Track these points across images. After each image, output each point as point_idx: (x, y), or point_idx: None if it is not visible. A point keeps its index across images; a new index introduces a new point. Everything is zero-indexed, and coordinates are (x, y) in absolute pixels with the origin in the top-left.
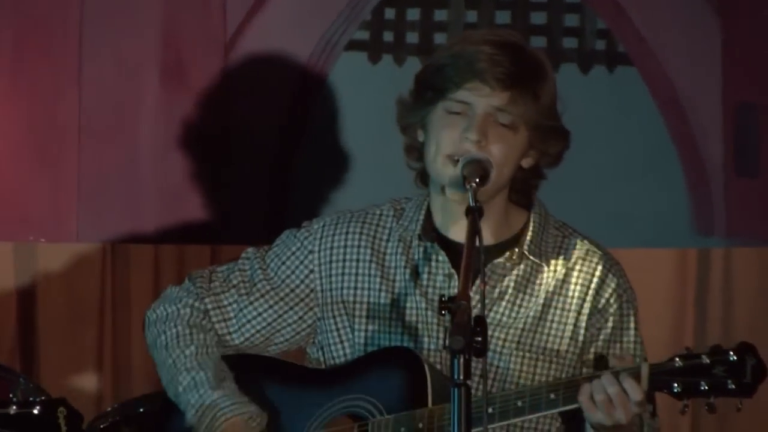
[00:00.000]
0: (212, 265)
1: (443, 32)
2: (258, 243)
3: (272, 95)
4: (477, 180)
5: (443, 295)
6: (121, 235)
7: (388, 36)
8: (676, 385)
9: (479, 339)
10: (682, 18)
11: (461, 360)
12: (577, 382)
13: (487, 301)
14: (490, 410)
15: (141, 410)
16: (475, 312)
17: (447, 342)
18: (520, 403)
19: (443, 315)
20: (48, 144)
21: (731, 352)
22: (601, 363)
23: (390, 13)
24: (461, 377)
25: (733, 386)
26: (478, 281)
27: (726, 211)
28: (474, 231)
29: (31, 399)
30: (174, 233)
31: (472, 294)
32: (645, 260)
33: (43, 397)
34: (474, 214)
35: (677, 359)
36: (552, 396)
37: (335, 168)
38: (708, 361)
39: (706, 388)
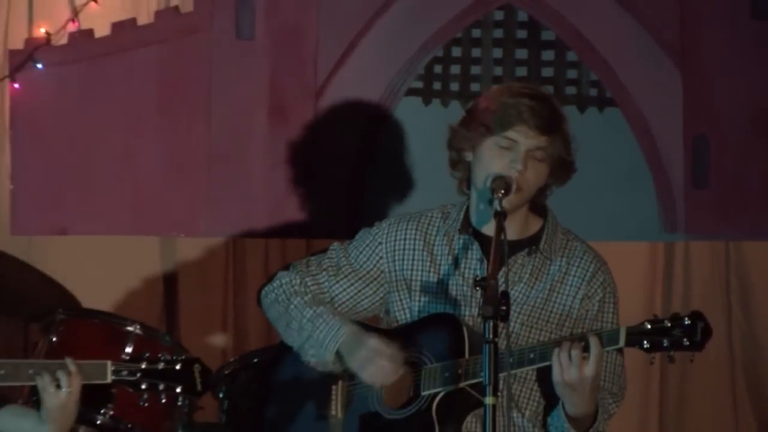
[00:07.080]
0: (308, 254)
1: (477, 83)
2: (340, 237)
3: (351, 129)
4: (503, 191)
5: (476, 275)
6: (239, 231)
7: (436, 85)
8: (645, 342)
9: (504, 308)
10: (653, 72)
11: (490, 324)
12: (572, 340)
13: (509, 282)
14: (510, 360)
15: (255, 360)
16: (501, 288)
17: (480, 311)
18: (532, 355)
19: (477, 290)
20: (185, 165)
21: (686, 318)
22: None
23: (438, 68)
24: (491, 336)
25: (688, 343)
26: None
27: (686, 214)
28: (500, 229)
29: (174, 357)
30: (278, 230)
31: (499, 276)
32: (624, 251)
33: (183, 356)
34: (500, 216)
35: (646, 323)
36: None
37: (397, 182)
38: (669, 324)
39: (668, 344)
